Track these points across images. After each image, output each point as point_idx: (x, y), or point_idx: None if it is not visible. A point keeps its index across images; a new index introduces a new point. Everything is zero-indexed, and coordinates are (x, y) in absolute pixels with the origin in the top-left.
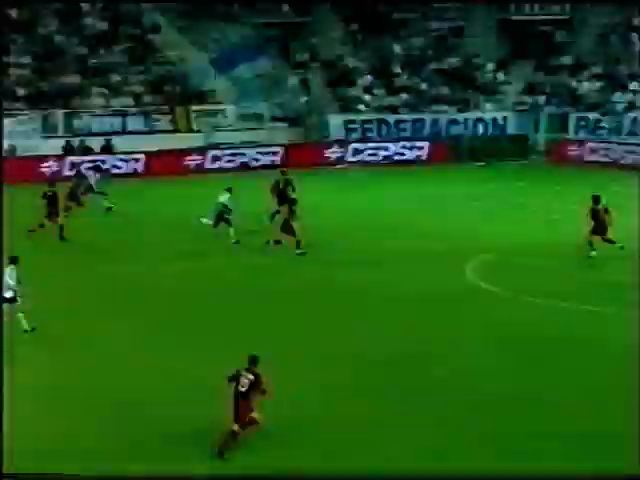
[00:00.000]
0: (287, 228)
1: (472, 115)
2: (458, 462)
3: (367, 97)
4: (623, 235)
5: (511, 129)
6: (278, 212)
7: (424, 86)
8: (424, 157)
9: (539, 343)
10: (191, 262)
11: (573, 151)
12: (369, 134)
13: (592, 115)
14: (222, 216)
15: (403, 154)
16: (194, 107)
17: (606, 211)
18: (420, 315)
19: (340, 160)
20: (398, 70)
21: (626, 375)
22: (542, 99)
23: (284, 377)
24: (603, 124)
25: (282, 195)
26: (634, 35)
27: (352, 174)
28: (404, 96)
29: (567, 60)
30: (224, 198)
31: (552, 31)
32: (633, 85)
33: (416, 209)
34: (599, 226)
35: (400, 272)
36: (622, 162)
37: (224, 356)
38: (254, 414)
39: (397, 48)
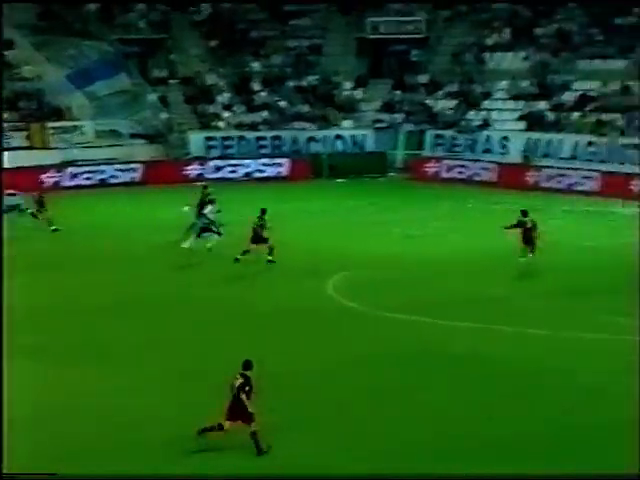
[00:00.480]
0: (258, 239)
1: (331, 132)
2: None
3: (227, 114)
4: (481, 249)
5: (370, 146)
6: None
7: (284, 103)
8: (284, 174)
9: (397, 358)
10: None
11: (430, 168)
12: (229, 151)
13: (448, 133)
14: (207, 228)
15: (263, 171)
16: (50, 124)
17: (534, 227)
18: (278, 332)
19: (200, 177)
20: (258, 87)
21: (471, 384)
22: (400, 117)
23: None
24: (459, 142)
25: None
26: (487, 54)
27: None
28: (264, 113)
29: (423, 79)
30: (207, 210)
31: (408, 50)
32: (486, 103)
33: (276, 226)
34: (526, 237)
35: (259, 288)
36: (477, 179)
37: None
38: (244, 423)
39: (256, 65)
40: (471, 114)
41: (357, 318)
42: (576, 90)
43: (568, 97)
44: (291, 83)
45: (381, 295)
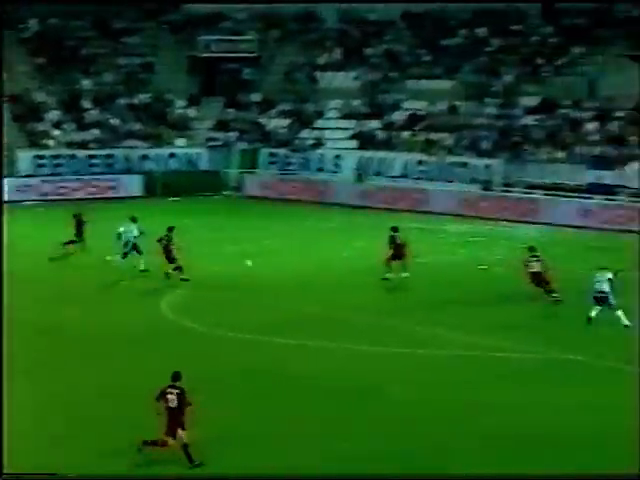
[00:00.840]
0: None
1: (165, 151)
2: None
3: (57, 132)
4: (315, 267)
5: (204, 165)
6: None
7: (115, 121)
8: (117, 193)
9: (231, 376)
10: None
11: (264, 186)
12: (59, 169)
13: (282, 151)
14: (134, 246)
15: (95, 190)
16: None
17: (405, 243)
18: (112, 353)
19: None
20: (88, 105)
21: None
22: (233, 135)
23: None
24: (292, 160)
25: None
26: (319, 74)
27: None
28: (95, 131)
29: (256, 97)
30: (131, 228)
31: (240, 68)
32: (319, 122)
33: (108, 246)
34: (397, 252)
35: (93, 309)
36: (312, 197)
37: None
38: (182, 435)
39: (87, 83)
40: (304, 133)
41: (194, 338)
42: (406, 109)
43: (398, 116)
44: (122, 101)
45: (216, 314)
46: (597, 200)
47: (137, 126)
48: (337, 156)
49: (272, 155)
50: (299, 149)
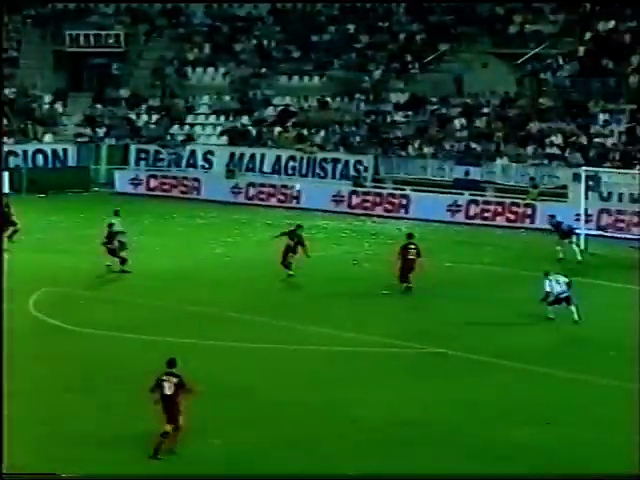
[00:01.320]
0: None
1: (31, 147)
2: None
3: None
4: (187, 263)
5: (72, 161)
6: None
7: None
8: None
9: (100, 375)
10: None
11: (135, 182)
12: None
13: (152, 147)
14: (120, 242)
15: None
16: None
17: (300, 242)
18: None
19: None
20: None
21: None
22: (102, 131)
23: None
24: (163, 156)
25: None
26: (188, 69)
27: None
28: None
29: (124, 92)
30: (116, 222)
31: (109, 63)
32: (190, 118)
33: None
34: (294, 249)
35: None
36: (181, 194)
37: None
38: (180, 419)
39: None
40: (175, 129)
41: (63, 334)
42: (276, 105)
43: (269, 112)
44: None
45: (85, 313)
46: (465, 196)
47: (2, 122)
48: (208, 152)
49: (142, 151)
50: (170, 145)
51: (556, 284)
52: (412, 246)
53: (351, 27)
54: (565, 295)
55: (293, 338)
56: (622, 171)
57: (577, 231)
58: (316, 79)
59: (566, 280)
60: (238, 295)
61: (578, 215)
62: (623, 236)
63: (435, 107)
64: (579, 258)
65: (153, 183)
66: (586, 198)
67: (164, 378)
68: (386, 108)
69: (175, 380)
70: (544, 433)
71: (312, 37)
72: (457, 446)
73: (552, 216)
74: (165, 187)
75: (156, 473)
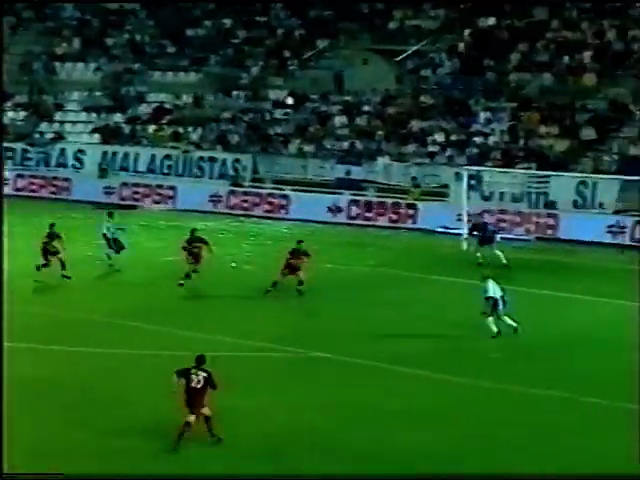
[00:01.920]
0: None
1: None
2: None
3: None
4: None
5: None
6: None
7: None
8: None
9: None
10: None
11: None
12: None
13: (19, 146)
14: (117, 240)
15: None
16: None
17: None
18: None
19: None
20: None
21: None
22: None
23: None
24: (30, 155)
25: None
26: (57, 64)
27: None
28: None
29: None
30: (112, 223)
31: None
32: (59, 115)
33: None
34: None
35: None
36: (50, 194)
37: None
38: (206, 409)
39: None
40: (43, 126)
41: None
42: (151, 102)
43: (143, 109)
44: None
45: None
46: (346, 196)
47: None
48: (79, 151)
49: (8, 150)
50: (38, 143)
51: (496, 287)
52: (302, 251)
53: (227, 22)
54: (503, 299)
55: (170, 344)
56: (504, 170)
57: (498, 236)
58: (192, 75)
59: (498, 286)
60: (111, 300)
61: (460, 215)
62: (505, 236)
63: (315, 104)
64: (504, 262)
65: (20, 183)
66: (468, 198)
67: (193, 371)
68: (265, 105)
69: (205, 375)
70: (428, 437)
71: (187, 32)
72: (340, 451)
73: (480, 214)
74: (33, 187)
75: (156, 473)
